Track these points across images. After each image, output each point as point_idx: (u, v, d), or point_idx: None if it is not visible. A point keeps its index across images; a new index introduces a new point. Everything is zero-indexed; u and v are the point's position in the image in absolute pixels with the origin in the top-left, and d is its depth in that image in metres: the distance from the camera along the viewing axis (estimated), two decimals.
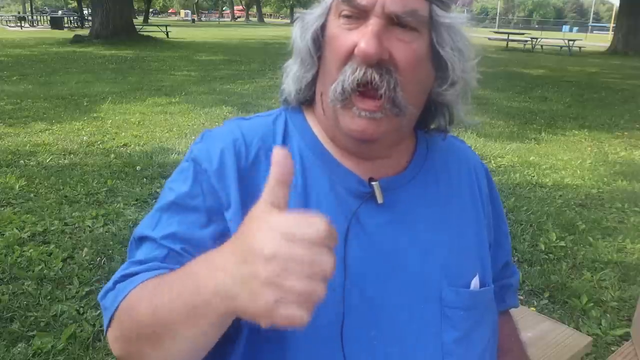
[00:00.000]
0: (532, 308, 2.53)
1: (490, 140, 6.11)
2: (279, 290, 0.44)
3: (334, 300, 0.68)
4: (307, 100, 0.79)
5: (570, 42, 21.78)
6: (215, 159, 0.72)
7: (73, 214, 3.62)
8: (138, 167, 4.66)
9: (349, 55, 0.67)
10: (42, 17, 38.55)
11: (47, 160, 4.80)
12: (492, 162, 5.22)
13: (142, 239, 0.70)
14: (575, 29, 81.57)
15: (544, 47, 23.27)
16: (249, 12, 76.84)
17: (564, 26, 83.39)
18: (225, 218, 0.69)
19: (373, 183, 0.73)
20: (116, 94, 8.36)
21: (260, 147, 0.74)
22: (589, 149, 5.97)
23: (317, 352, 0.67)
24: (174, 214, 0.70)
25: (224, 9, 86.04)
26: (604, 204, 4.22)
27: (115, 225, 3.46)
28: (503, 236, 0.92)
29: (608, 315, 2.64)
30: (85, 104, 7.58)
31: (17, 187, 4.07)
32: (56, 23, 29.48)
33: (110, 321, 0.63)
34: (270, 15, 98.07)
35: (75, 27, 29.52)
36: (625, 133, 6.79)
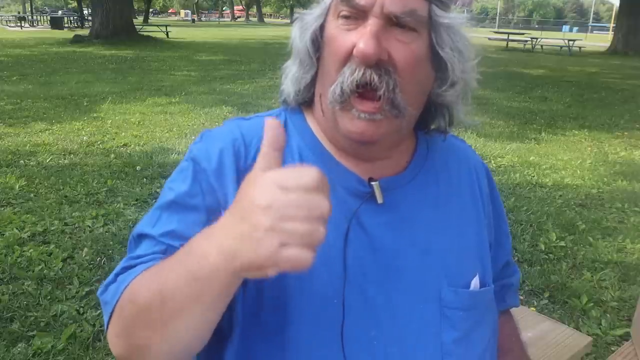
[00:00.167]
0: (532, 308, 2.53)
1: (490, 140, 6.11)
2: (280, 234, 0.45)
3: (334, 300, 0.68)
4: (306, 101, 0.78)
5: (570, 42, 21.78)
6: (214, 158, 0.72)
7: (73, 214, 3.62)
8: (138, 167, 4.66)
9: (348, 57, 0.67)
10: (42, 17, 38.56)
11: (47, 160, 4.80)
12: (492, 162, 5.22)
13: (141, 237, 0.70)
14: (575, 29, 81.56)
15: (544, 47, 23.27)
16: (249, 12, 76.84)
17: (564, 26, 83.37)
18: None
19: (373, 183, 0.73)
20: (116, 94, 8.36)
21: (259, 147, 0.74)
22: (589, 149, 5.97)
23: (317, 351, 0.67)
24: (174, 212, 0.70)
25: (224, 9, 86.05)
26: (604, 204, 4.22)
27: (115, 225, 3.46)
28: (503, 236, 0.92)
29: (608, 315, 2.64)
30: (85, 104, 7.58)
31: (17, 187, 4.07)
32: (56, 23, 29.49)
33: (110, 316, 0.63)
34: (270, 15, 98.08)
35: (75, 27, 29.52)
36: (625, 133, 6.79)
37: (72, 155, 5.00)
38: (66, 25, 30.69)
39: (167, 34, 22.60)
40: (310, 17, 0.73)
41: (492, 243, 0.86)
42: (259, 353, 0.68)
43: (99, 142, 5.49)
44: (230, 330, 0.68)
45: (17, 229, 3.33)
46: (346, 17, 0.68)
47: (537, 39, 23.04)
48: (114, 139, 5.67)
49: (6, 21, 35.94)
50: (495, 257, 0.86)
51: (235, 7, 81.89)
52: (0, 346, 2.25)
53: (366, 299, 0.70)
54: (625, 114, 8.12)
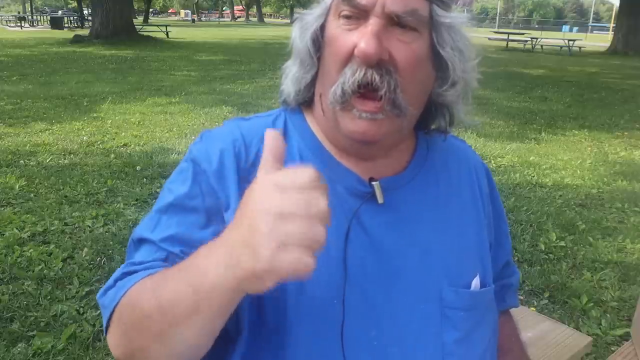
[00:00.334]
0: (532, 308, 2.53)
1: (490, 140, 6.10)
2: (279, 234, 0.45)
3: (334, 300, 0.68)
4: (306, 101, 0.78)
5: (570, 42, 21.78)
6: (215, 159, 0.72)
7: (73, 214, 3.62)
8: (138, 167, 4.66)
9: (349, 57, 0.67)
10: (42, 17, 38.56)
11: (47, 160, 4.80)
12: (492, 162, 5.22)
13: (141, 241, 0.70)
14: (575, 29, 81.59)
15: (544, 47, 23.27)
16: (249, 12, 76.82)
17: (564, 26, 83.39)
18: (225, 219, 0.69)
19: (373, 183, 0.73)
20: (116, 94, 8.36)
21: (260, 147, 0.73)
22: (589, 149, 5.97)
23: (317, 352, 0.67)
24: (173, 215, 0.70)
25: (224, 9, 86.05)
26: (604, 204, 4.22)
27: (115, 225, 3.46)
28: (503, 236, 0.92)
29: (608, 315, 2.64)
30: (85, 104, 7.58)
31: (17, 187, 4.07)
32: (56, 23, 29.48)
33: (109, 320, 0.63)
34: (270, 15, 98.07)
35: (75, 27, 29.52)
36: (625, 133, 6.79)
37: (72, 155, 5.00)
38: (66, 25, 30.69)
39: (167, 34, 22.60)
40: (310, 17, 0.73)
41: (492, 243, 0.86)
42: (261, 353, 0.67)
43: (99, 142, 5.49)
44: (237, 334, 0.68)
45: (17, 229, 3.33)
46: (347, 17, 0.67)
47: (537, 39, 23.04)
48: (114, 139, 5.66)
49: (6, 21, 35.94)
50: (495, 257, 0.86)
51: (235, 7, 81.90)
52: (0, 346, 2.24)
53: (366, 299, 0.70)
54: (625, 114, 8.12)
